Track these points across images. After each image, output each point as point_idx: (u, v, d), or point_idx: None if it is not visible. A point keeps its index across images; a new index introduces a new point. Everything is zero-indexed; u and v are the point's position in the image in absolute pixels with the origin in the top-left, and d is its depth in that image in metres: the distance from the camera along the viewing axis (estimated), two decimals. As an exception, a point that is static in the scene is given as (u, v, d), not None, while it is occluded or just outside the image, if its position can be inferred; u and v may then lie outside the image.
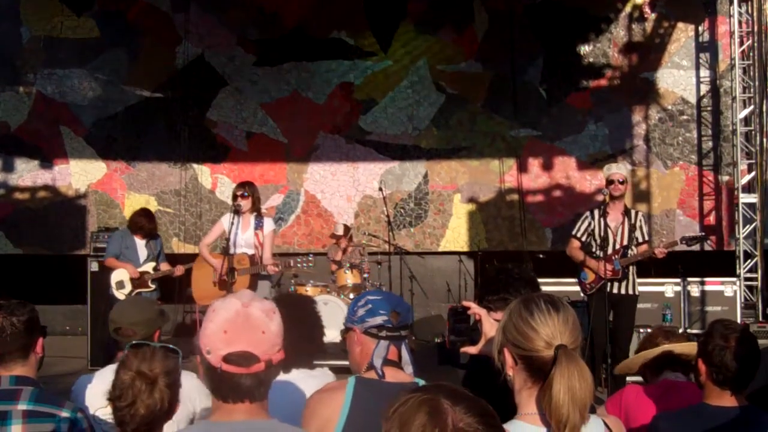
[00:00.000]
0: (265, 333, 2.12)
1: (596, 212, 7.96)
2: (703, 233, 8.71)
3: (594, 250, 7.93)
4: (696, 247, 12.26)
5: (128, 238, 9.08)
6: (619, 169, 7.96)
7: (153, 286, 9.00)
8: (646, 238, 8.05)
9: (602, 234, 7.67)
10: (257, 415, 2.14)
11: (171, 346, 2.90)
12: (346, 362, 3.08)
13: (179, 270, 9.05)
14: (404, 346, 2.94)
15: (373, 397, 2.68)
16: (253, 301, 2.14)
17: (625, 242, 7.80)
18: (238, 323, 2.10)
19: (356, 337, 2.95)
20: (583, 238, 8.01)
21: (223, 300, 2.17)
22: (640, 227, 7.95)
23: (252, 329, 2.10)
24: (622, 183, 7.82)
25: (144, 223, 9.09)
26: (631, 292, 7.90)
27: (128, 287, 8.93)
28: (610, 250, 7.75)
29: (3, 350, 3.32)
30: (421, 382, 2.86)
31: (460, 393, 1.76)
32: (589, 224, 7.98)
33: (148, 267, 9.03)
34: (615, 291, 7.80)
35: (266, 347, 2.11)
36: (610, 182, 7.82)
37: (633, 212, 8.00)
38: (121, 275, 8.96)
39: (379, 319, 2.90)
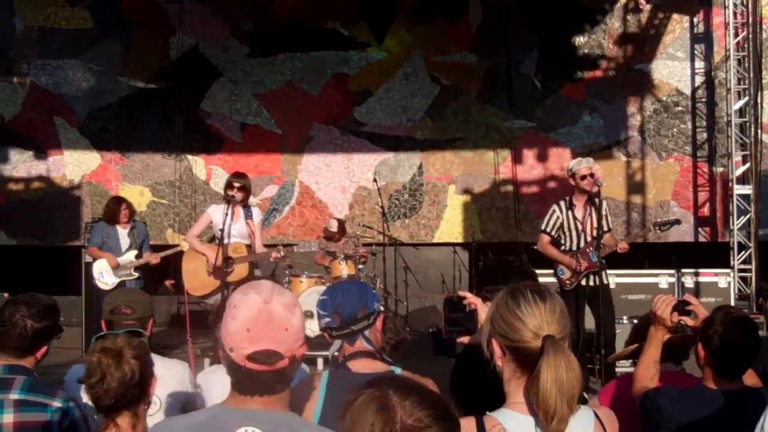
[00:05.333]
0: (288, 330, 2.09)
1: (563, 204, 7.98)
2: (676, 218, 8.68)
3: (564, 242, 7.93)
4: (690, 239, 12.33)
5: (109, 228, 9.14)
6: (588, 162, 7.94)
7: (136, 275, 9.05)
8: (611, 226, 8.09)
9: (573, 227, 7.76)
10: (273, 407, 2.12)
11: (135, 329, 2.95)
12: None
13: (155, 258, 9.11)
14: (362, 339, 2.98)
15: (346, 390, 2.73)
16: (273, 296, 2.10)
17: (596, 233, 7.77)
18: (260, 322, 2.06)
19: (324, 334, 3.09)
20: (553, 233, 8.01)
21: (243, 295, 2.13)
22: (606, 216, 7.97)
23: (275, 327, 2.07)
24: (593, 176, 7.82)
25: (113, 207, 9.19)
26: (606, 282, 7.91)
27: (110, 277, 8.97)
28: (581, 244, 7.79)
29: (4, 343, 3.33)
30: (398, 370, 2.90)
31: (411, 387, 1.75)
32: (558, 218, 7.97)
33: (130, 255, 9.06)
34: (591, 283, 7.77)
35: (290, 344, 2.09)
36: (582, 177, 7.77)
37: (598, 201, 7.90)
38: (102, 265, 9.02)
39: (322, 322, 3.01)
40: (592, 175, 7.82)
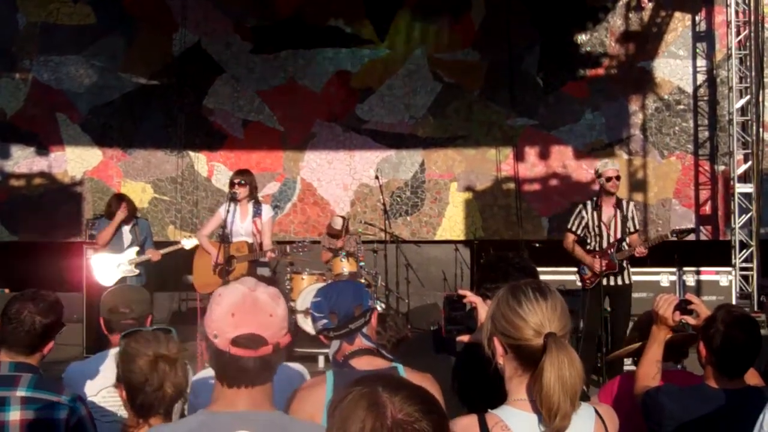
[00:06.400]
0: (272, 316, 2.12)
1: (589, 205, 8.08)
2: (693, 226, 8.82)
3: (589, 242, 8.05)
4: (691, 237, 12.33)
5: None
6: (614, 165, 8.12)
7: (138, 271, 9.08)
8: (638, 227, 8.22)
9: (596, 228, 7.84)
10: (260, 405, 2.12)
11: (166, 327, 2.94)
12: None
13: (156, 255, 9.13)
14: (361, 337, 2.97)
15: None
16: (258, 286, 2.14)
17: (619, 235, 7.93)
18: (245, 306, 2.09)
19: (319, 337, 3.07)
20: (578, 232, 8.12)
21: (227, 286, 2.17)
22: (632, 218, 8.11)
23: (260, 312, 2.10)
24: (618, 179, 7.95)
25: (114, 206, 9.21)
26: (627, 282, 8.05)
27: (112, 272, 9.00)
28: (605, 244, 7.90)
29: (13, 341, 3.33)
30: (401, 367, 2.89)
31: (400, 383, 1.76)
32: (583, 218, 8.10)
33: (132, 252, 9.10)
34: (612, 283, 7.94)
35: (274, 330, 2.11)
36: (608, 179, 7.90)
37: (625, 203, 8.12)
38: (104, 261, 9.06)
39: (319, 324, 3.00)
40: (618, 177, 8.00)
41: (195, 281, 8.58)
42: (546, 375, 2.13)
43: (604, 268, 7.83)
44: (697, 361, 3.42)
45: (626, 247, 7.96)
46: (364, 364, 2.89)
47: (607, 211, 8.00)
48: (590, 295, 7.95)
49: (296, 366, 3.67)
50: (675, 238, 8.36)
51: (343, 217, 11.27)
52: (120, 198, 9.43)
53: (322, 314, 2.98)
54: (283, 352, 2.19)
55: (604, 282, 7.90)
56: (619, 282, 8.00)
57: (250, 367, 2.09)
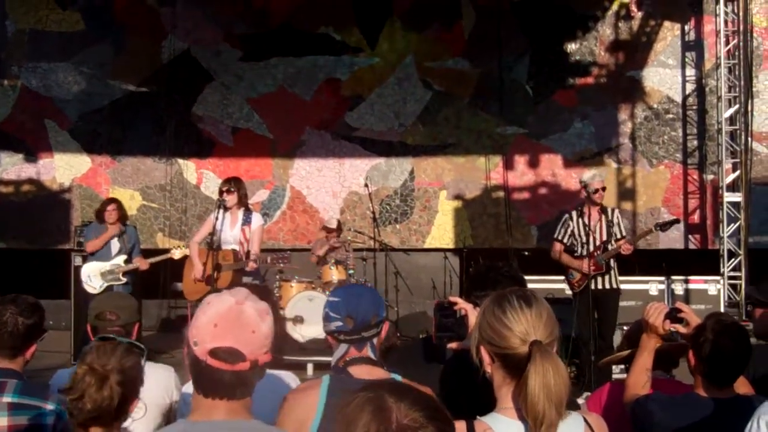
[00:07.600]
0: (255, 332, 2.10)
1: (575, 214, 8.27)
2: (675, 217, 9.02)
3: (576, 250, 8.16)
4: (680, 246, 12.36)
5: (101, 228, 9.18)
6: (600, 177, 8.41)
7: (125, 279, 9.06)
8: (624, 234, 8.37)
9: (583, 234, 7.97)
10: (239, 415, 2.11)
11: (137, 343, 2.85)
12: (328, 358, 3.08)
13: (144, 264, 9.12)
14: (369, 346, 2.92)
15: (347, 394, 2.67)
16: (247, 300, 2.13)
17: (605, 238, 8.09)
18: (229, 319, 2.08)
19: (327, 337, 3.00)
20: (565, 240, 8.26)
21: (218, 295, 2.15)
22: (618, 224, 8.30)
23: (242, 327, 2.08)
24: (604, 190, 8.19)
25: (102, 207, 9.28)
26: (615, 286, 8.16)
27: (98, 281, 8.98)
28: (591, 248, 8.00)
29: None
30: (399, 378, 2.85)
31: (405, 389, 1.76)
32: (569, 226, 8.31)
33: (120, 260, 9.08)
34: (600, 287, 8.05)
35: (254, 347, 2.09)
36: (594, 191, 8.09)
37: (609, 210, 8.34)
38: (91, 269, 9.04)
39: (332, 325, 2.92)
40: (603, 188, 8.23)
41: (184, 289, 8.56)
42: (531, 383, 2.13)
43: (592, 269, 7.94)
44: (687, 370, 3.42)
45: (611, 249, 8.06)
46: (362, 372, 2.84)
47: (593, 217, 8.17)
48: (580, 302, 8.03)
49: (286, 374, 3.65)
50: (660, 231, 8.49)
51: (338, 220, 11.36)
52: (109, 201, 9.44)
53: (338, 316, 2.90)
54: (263, 370, 2.16)
55: (592, 286, 7.99)
56: (607, 285, 8.13)
57: (226, 380, 2.08)
